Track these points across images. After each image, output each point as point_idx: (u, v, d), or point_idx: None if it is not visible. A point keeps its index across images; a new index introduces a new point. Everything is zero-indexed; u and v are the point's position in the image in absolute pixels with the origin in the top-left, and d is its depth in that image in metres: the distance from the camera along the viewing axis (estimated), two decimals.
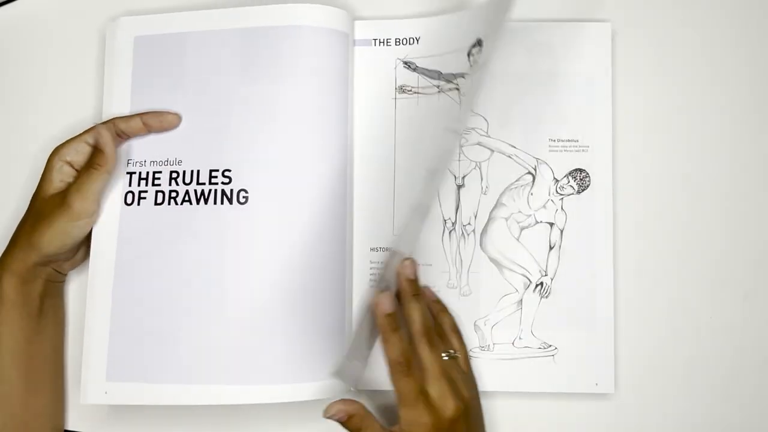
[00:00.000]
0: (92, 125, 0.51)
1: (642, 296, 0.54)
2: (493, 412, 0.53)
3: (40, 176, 0.51)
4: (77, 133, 0.51)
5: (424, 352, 0.45)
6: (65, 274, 0.53)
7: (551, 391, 0.52)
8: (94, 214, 0.50)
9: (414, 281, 0.47)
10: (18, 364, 0.49)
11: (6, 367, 0.49)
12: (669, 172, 0.55)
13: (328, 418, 0.45)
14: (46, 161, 0.50)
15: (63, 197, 0.48)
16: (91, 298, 0.51)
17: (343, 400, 0.46)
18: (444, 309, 0.51)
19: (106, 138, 0.49)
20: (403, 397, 0.44)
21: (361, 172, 0.54)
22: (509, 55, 0.55)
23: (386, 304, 0.45)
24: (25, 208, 0.51)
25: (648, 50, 0.56)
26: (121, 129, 0.51)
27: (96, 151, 0.50)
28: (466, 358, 0.50)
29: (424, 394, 0.44)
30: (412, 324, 0.46)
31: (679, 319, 0.54)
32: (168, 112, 0.52)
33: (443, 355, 0.46)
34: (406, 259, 0.47)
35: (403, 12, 0.56)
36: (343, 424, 0.45)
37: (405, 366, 0.44)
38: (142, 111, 0.52)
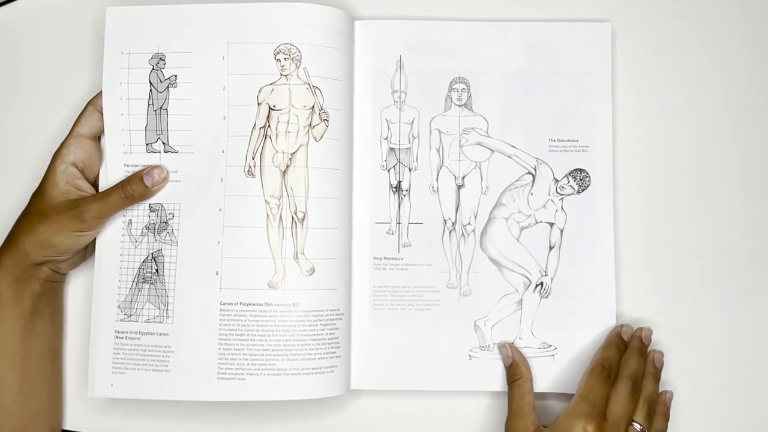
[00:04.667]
0: (79, 114, 0.52)
1: (642, 296, 0.54)
2: (494, 412, 0.53)
3: (39, 175, 0.51)
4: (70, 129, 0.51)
5: (621, 393, 0.48)
6: (64, 274, 0.53)
7: (551, 391, 0.52)
8: (105, 225, 0.51)
9: (645, 346, 0.52)
10: (12, 364, 0.49)
11: (1, 366, 0.48)
12: (669, 172, 0.55)
13: (500, 352, 0.52)
14: (49, 162, 0.50)
15: (79, 209, 0.48)
16: (97, 293, 0.51)
17: (515, 349, 0.52)
18: (669, 396, 0.51)
19: (160, 178, 0.51)
20: (588, 393, 0.48)
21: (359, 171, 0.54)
22: (509, 55, 0.55)
23: (627, 329, 0.52)
24: (23, 207, 0.51)
25: (648, 50, 0.56)
26: (102, 106, 0.52)
27: (134, 178, 0.50)
28: None
29: (601, 410, 0.47)
30: (625, 366, 0.50)
31: (679, 319, 0.54)
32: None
33: (636, 425, 0.48)
34: (643, 329, 0.52)
35: (403, 12, 0.56)
36: (506, 367, 0.52)
37: (607, 371, 0.49)
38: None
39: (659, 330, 0.54)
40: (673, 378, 0.53)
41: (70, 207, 0.48)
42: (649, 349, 0.52)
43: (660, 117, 0.56)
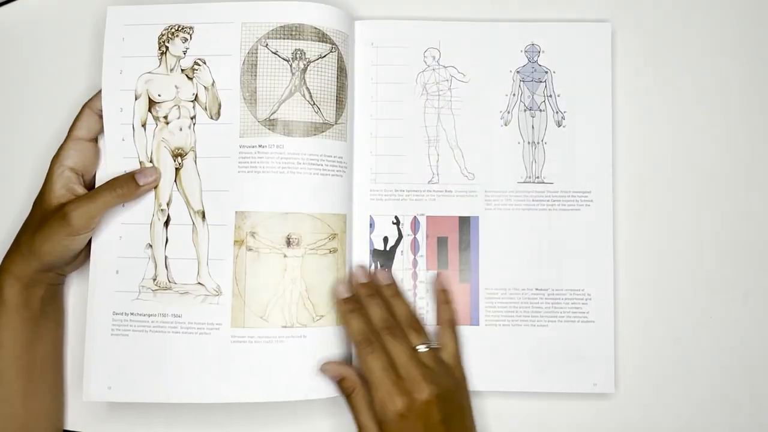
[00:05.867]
0: (76, 117, 0.51)
1: (642, 296, 0.54)
2: (492, 411, 0.53)
3: (41, 178, 0.51)
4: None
5: (389, 342, 0.47)
6: (65, 276, 0.53)
7: (550, 391, 0.52)
8: (95, 228, 0.50)
9: (366, 284, 0.51)
10: (19, 367, 0.49)
11: (7, 370, 0.49)
12: (668, 172, 0.55)
13: (325, 374, 0.49)
14: (49, 165, 0.50)
15: (64, 211, 0.47)
16: (92, 295, 0.51)
17: (339, 364, 0.49)
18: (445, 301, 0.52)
19: (152, 178, 0.50)
20: (372, 376, 0.46)
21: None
22: (509, 55, 0.55)
23: (341, 290, 0.50)
24: (27, 210, 0.51)
25: (648, 50, 0.56)
26: (98, 108, 0.51)
27: (127, 177, 0.50)
28: (456, 353, 0.50)
29: (393, 375, 0.46)
30: (372, 319, 0.49)
31: (679, 319, 0.54)
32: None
33: (421, 346, 0.48)
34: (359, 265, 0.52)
35: (403, 12, 0.56)
36: (338, 384, 0.49)
37: (367, 344, 0.47)
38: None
39: (659, 330, 0.54)
40: (672, 377, 0.53)
41: (58, 210, 0.48)
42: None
43: (659, 117, 0.56)
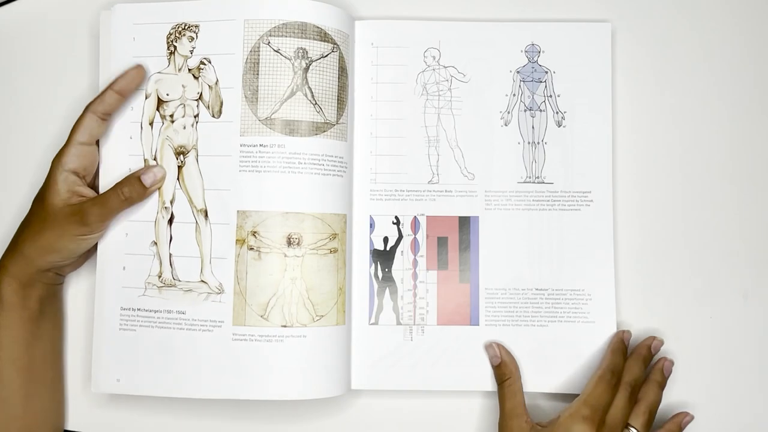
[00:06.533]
0: (78, 121, 0.50)
1: (642, 296, 0.54)
2: (494, 411, 0.53)
3: (41, 178, 0.51)
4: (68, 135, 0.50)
5: (620, 398, 0.49)
6: (64, 276, 0.53)
7: (550, 391, 0.52)
8: (105, 230, 0.51)
9: (651, 355, 0.52)
10: (18, 367, 0.49)
11: (6, 370, 0.49)
12: (668, 171, 0.55)
13: (487, 352, 0.52)
14: (49, 168, 0.50)
15: (81, 213, 0.48)
16: (100, 290, 0.51)
17: (502, 348, 0.52)
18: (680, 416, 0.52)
19: (158, 177, 0.50)
20: (591, 396, 0.48)
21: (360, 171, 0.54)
22: (509, 55, 0.55)
23: (628, 335, 0.53)
24: (27, 210, 0.51)
25: (648, 50, 0.56)
26: (101, 111, 0.50)
27: (132, 179, 0.50)
28: None
29: (602, 415, 0.48)
30: (627, 372, 0.50)
31: (679, 319, 0.54)
32: (129, 69, 0.51)
33: (633, 429, 0.48)
34: (656, 338, 0.53)
35: (403, 12, 0.56)
36: (494, 367, 0.52)
37: (616, 377, 0.49)
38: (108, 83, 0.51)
39: (659, 330, 0.54)
40: (671, 378, 0.53)
41: (73, 212, 0.48)
42: (660, 356, 0.52)
43: (659, 117, 0.56)
